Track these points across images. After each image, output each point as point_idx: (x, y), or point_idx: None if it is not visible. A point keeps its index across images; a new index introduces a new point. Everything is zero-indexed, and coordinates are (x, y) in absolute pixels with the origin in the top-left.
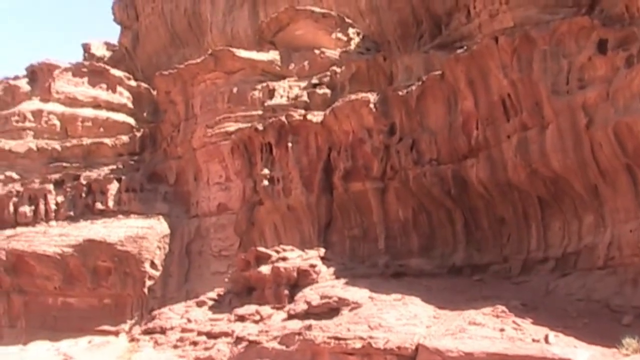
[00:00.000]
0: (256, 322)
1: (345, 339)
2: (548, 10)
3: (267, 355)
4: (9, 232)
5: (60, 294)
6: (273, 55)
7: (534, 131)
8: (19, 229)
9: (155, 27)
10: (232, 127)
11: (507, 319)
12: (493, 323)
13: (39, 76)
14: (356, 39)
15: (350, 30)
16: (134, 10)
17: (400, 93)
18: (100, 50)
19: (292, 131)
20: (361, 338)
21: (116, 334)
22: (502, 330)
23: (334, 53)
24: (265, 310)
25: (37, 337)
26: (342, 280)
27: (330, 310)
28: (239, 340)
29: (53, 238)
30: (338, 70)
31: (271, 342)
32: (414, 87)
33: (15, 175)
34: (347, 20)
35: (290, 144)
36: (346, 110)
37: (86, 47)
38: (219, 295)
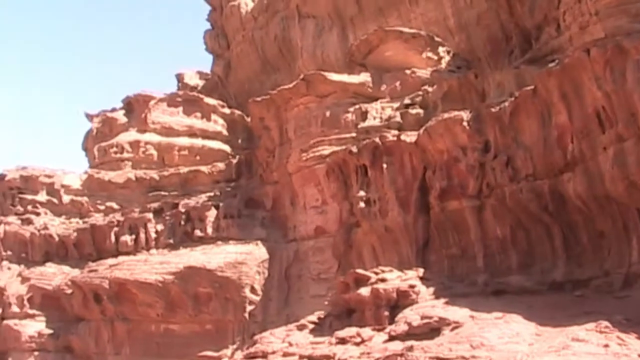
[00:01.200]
0: (357, 344)
1: (447, 359)
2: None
3: None
4: (111, 261)
5: (162, 321)
6: (364, 77)
7: (631, 142)
8: (121, 258)
9: (246, 55)
10: (326, 150)
11: (611, 335)
12: (597, 339)
13: (135, 107)
14: (446, 58)
15: (440, 49)
16: (225, 39)
17: (493, 110)
18: (193, 80)
19: (386, 152)
20: (463, 357)
21: (219, 359)
22: (606, 346)
23: (425, 72)
24: (366, 332)
25: None
26: (442, 300)
27: (431, 330)
28: None
29: (154, 266)
30: (430, 89)
31: None
32: (506, 103)
33: (115, 206)
34: (436, 39)
35: (385, 165)
36: (440, 129)
37: (180, 77)
38: (319, 318)
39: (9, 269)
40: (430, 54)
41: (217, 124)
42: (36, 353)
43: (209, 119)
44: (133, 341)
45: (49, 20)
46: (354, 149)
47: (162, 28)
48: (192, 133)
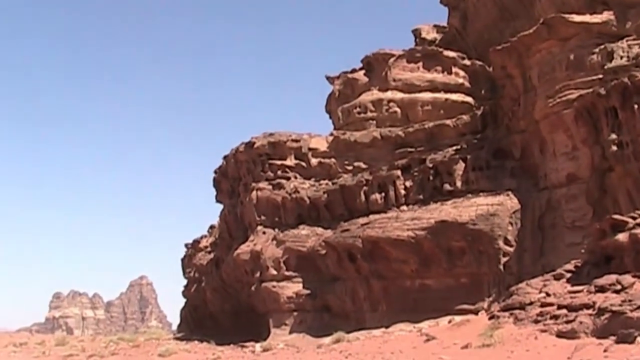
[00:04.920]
0: (617, 292)
1: None
2: None
3: (633, 326)
4: (362, 220)
5: (417, 277)
6: (607, 15)
7: None
8: (372, 216)
9: (483, 4)
10: (573, 94)
11: None
12: None
13: (375, 66)
14: None
15: None
16: None
17: None
18: (430, 34)
19: (636, 92)
20: None
21: (475, 312)
22: None
23: None
24: (626, 279)
25: (398, 319)
26: None
27: None
28: (601, 311)
29: (405, 222)
30: None
31: (636, 312)
32: None
33: (363, 165)
34: None
35: (636, 106)
36: None
37: (417, 32)
38: (576, 267)
39: (263, 233)
40: None
41: (459, 77)
42: (295, 313)
43: (449, 72)
44: (389, 298)
45: None
46: (602, 92)
47: None
48: (433, 87)
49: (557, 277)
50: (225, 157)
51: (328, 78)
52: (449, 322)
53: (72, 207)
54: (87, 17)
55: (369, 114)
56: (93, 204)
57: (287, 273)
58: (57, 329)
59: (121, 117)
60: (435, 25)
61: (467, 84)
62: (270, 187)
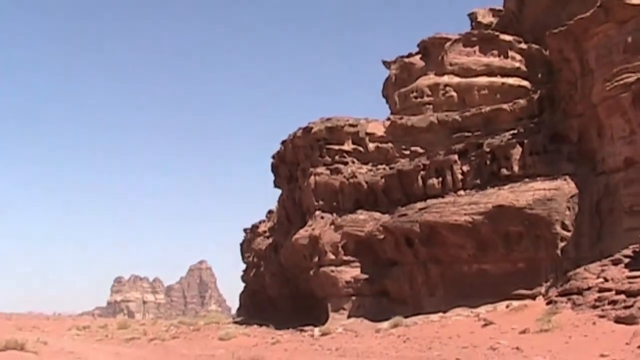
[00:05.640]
0: None
1: None
2: None
3: None
4: (420, 204)
5: (474, 261)
6: None
7: None
8: (429, 201)
9: None
10: (631, 77)
11: None
12: None
13: (431, 50)
14: None
15: None
16: None
17: None
18: (486, 18)
19: None
20: None
21: (532, 297)
22: None
23: None
24: None
25: (455, 304)
26: None
27: None
28: None
29: (463, 207)
30: None
31: None
32: None
33: (420, 150)
34: None
35: None
36: None
37: (473, 16)
38: (634, 252)
39: (322, 218)
40: None
41: (515, 60)
42: (353, 298)
43: (506, 56)
44: (446, 283)
45: None
46: None
47: None
48: (490, 71)
49: (615, 262)
50: (283, 143)
51: (385, 63)
52: (507, 307)
53: (133, 193)
54: None
55: (426, 99)
56: (154, 190)
57: (345, 258)
58: (118, 313)
59: (181, 102)
60: (491, 9)
61: (523, 67)
62: (328, 172)
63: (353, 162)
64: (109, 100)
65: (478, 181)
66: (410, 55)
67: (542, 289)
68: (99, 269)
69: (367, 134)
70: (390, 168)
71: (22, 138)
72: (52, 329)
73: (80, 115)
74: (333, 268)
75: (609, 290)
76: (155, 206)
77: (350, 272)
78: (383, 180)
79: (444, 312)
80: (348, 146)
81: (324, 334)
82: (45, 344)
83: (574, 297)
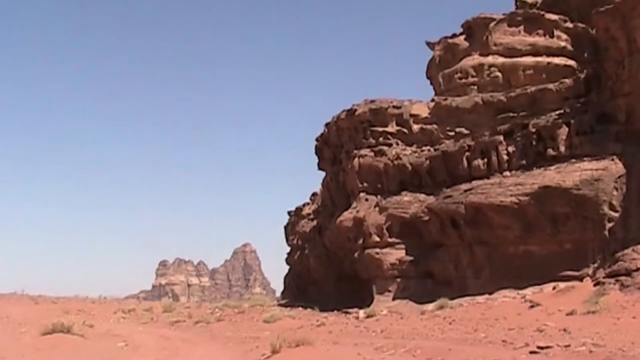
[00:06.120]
0: None
1: None
2: None
3: None
4: (465, 186)
5: (520, 243)
6: None
7: None
8: (474, 182)
9: None
10: None
11: None
12: None
13: (475, 31)
14: None
15: None
16: None
17: None
18: None
19: None
20: None
21: (579, 278)
22: None
23: None
24: None
25: (501, 285)
26: None
27: None
28: None
29: (508, 188)
30: None
31: None
32: None
33: (464, 131)
34: None
35: None
36: None
37: None
38: None
39: (366, 200)
40: None
41: (561, 40)
42: (398, 280)
43: (551, 36)
44: (492, 264)
45: None
46: None
47: None
48: (535, 51)
49: None
50: (327, 125)
51: (428, 44)
52: (553, 288)
53: (177, 177)
54: None
55: (470, 79)
56: (199, 174)
57: (390, 240)
58: (163, 296)
59: (228, 86)
60: None
61: (569, 47)
62: (372, 154)
63: (397, 144)
64: (163, 84)
65: (524, 162)
66: (454, 35)
67: (590, 271)
68: (143, 253)
69: (411, 115)
70: (435, 149)
71: (72, 122)
72: (98, 312)
73: (133, 99)
74: (378, 250)
75: None
76: (200, 190)
77: (395, 254)
78: (427, 161)
79: (490, 293)
80: (392, 128)
81: (368, 316)
82: (92, 327)
83: (622, 278)
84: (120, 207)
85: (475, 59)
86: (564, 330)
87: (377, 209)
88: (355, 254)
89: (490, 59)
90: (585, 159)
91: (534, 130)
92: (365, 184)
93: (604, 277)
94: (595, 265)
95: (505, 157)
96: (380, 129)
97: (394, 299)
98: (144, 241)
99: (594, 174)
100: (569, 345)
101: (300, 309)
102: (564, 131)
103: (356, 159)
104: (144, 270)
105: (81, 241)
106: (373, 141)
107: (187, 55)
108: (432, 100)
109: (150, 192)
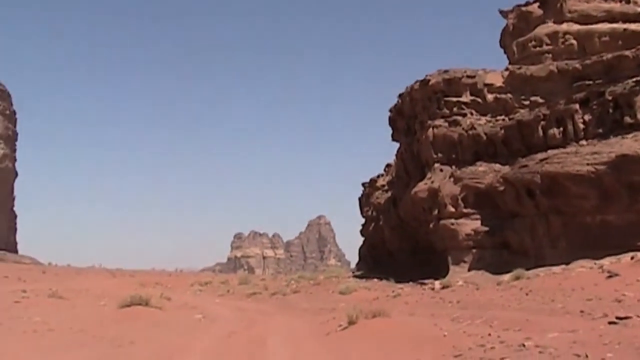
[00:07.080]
0: None
1: None
2: None
3: None
4: (540, 155)
5: (597, 212)
6: None
7: None
8: (550, 152)
9: None
10: None
11: None
12: None
13: None
14: None
15: None
16: None
17: None
18: None
19: None
20: None
21: None
22: None
23: None
24: None
25: (578, 255)
26: None
27: None
28: None
29: (585, 157)
30: None
31: None
32: None
33: (539, 100)
34: None
35: None
36: None
37: None
38: None
39: (441, 170)
40: None
41: (637, 5)
42: (474, 250)
43: (628, 1)
44: (568, 234)
45: None
46: None
47: None
48: (611, 18)
49: None
50: (400, 96)
51: (502, 12)
52: (632, 258)
53: (254, 152)
54: None
55: (545, 47)
56: (271, 147)
57: (465, 210)
58: (239, 269)
59: (304, 64)
60: None
61: None
62: (446, 124)
63: (471, 114)
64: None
65: (600, 130)
66: (528, 3)
67: None
68: (219, 226)
69: (485, 84)
70: (510, 119)
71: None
72: (174, 285)
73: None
74: (453, 221)
75: None
76: (275, 163)
77: (471, 225)
78: (502, 131)
79: (567, 264)
80: (466, 98)
81: (444, 287)
82: (169, 300)
83: None
84: (197, 181)
85: (549, 26)
86: None
87: (451, 179)
88: (430, 225)
89: (564, 27)
90: None
91: (610, 98)
92: (439, 155)
93: None
94: None
95: (581, 125)
96: (454, 99)
97: (469, 269)
98: (219, 214)
99: None
100: None
101: (376, 280)
102: None
103: (430, 130)
104: (219, 243)
105: (157, 215)
106: (447, 111)
107: (274, 37)
108: (506, 69)
109: (228, 167)
